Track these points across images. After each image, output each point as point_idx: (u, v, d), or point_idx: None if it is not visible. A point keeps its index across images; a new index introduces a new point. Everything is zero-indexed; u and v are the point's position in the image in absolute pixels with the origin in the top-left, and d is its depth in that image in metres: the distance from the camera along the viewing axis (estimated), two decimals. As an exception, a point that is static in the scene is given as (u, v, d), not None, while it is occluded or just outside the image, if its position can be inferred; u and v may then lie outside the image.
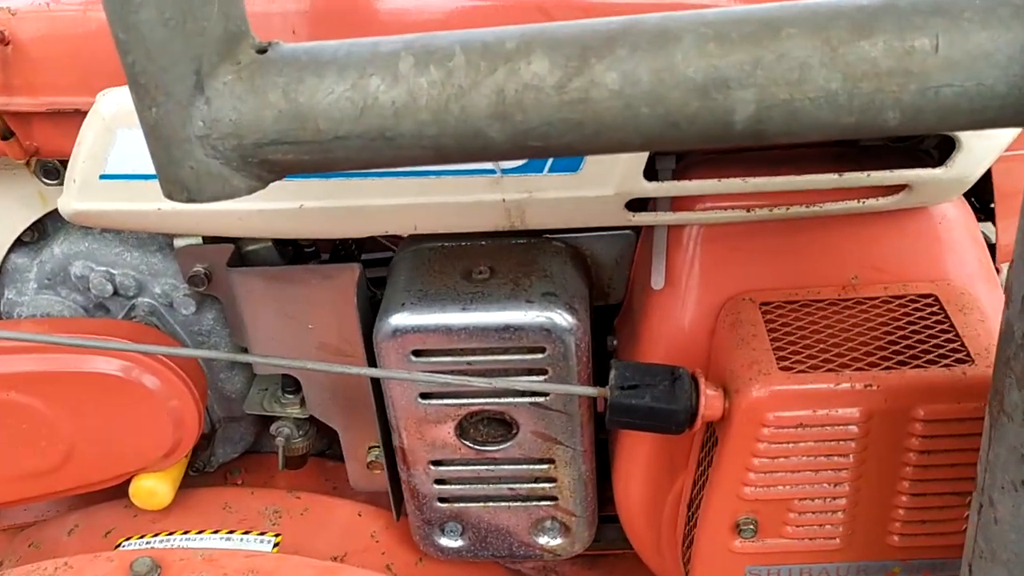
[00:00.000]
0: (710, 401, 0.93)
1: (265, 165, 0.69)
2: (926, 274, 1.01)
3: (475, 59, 0.64)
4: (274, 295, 1.15)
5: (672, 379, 0.94)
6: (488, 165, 0.93)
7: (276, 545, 1.22)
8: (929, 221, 1.01)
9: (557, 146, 0.65)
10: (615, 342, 1.20)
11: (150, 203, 0.98)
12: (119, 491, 1.28)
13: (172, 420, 1.16)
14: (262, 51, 0.68)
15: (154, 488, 1.22)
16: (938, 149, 0.97)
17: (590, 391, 0.97)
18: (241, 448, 1.38)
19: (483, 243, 1.14)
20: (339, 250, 1.28)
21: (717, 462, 0.97)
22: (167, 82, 0.65)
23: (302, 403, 1.26)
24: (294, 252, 1.20)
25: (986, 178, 1.07)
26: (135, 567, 1.08)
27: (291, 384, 1.26)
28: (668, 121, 0.62)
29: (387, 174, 0.94)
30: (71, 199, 0.99)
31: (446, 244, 1.14)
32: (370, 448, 1.27)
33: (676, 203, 1.01)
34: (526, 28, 0.65)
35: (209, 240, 1.14)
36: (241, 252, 1.16)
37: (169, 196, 0.70)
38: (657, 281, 1.04)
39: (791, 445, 0.93)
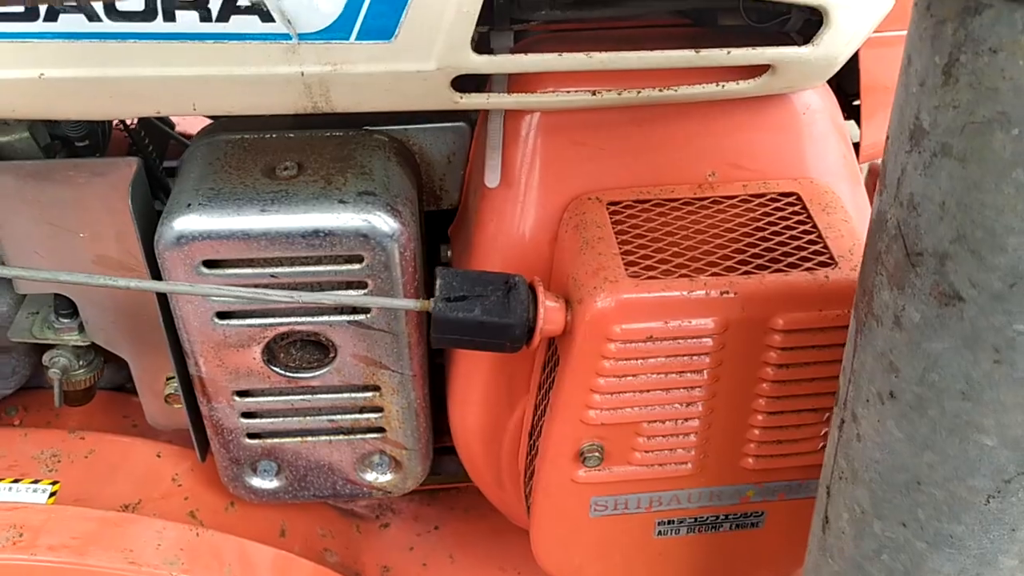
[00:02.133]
0: (550, 313, 0.81)
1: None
2: (788, 171, 0.91)
3: None
4: (33, 196, 0.94)
5: (506, 289, 0.81)
6: (280, 28, 0.75)
7: (52, 495, 1.03)
8: (792, 112, 0.90)
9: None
10: (449, 252, 1.06)
11: None
12: None
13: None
14: None
15: None
16: (802, 33, 0.86)
17: (410, 304, 0.83)
18: (15, 383, 1.17)
19: (291, 135, 0.97)
20: (131, 150, 1.08)
21: (559, 383, 0.85)
22: None
23: (81, 328, 1.06)
24: (63, 146, 1.00)
25: (852, 69, 0.98)
26: None
27: (66, 306, 1.06)
28: None
29: (158, 36, 0.75)
30: None
31: (247, 136, 0.97)
32: (168, 379, 1.09)
33: (512, 84, 0.87)
34: None
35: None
36: (-7, 145, 0.94)
37: None
38: (492, 179, 0.90)
39: (640, 362, 0.82)
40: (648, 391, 0.83)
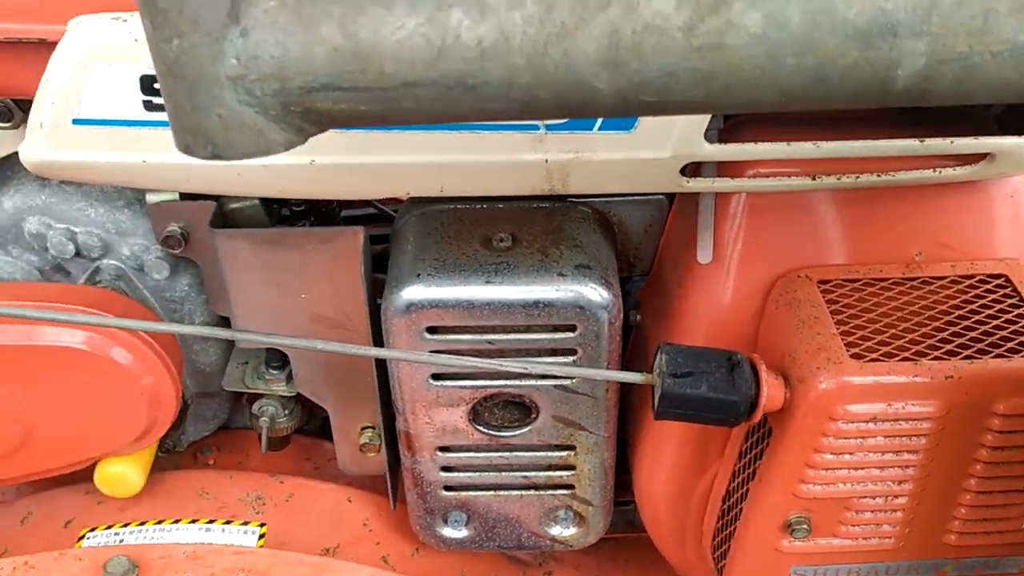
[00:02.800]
0: (772, 391, 0.84)
1: (311, 115, 0.56)
2: (996, 252, 0.93)
3: (582, -9, 0.52)
4: (264, 260, 1.01)
5: (730, 366, 0.85)
6: (530, 120, 0.81)
7: (261, 536, 1.10)
8: (1000, 194, 0.93)
9: (675, 102, 0.54)
10: (638, 316, 1.10)
11: (134, 154, 0.84)
12: (77, 473, 1.14)
13: (146, 398, 1.02)
14: (307, -29, 0.55)
15: (124, 474, 1.08)
16: (1016, 115, 0.89)
17: (635, 377, 0.87)
18: (214, 426, 1.24)
19: (501, 206, 1.02)
20: (319, 210, 1.15)
21: (770, 456, 0.89)
22: (195, 7, 0.52)
23: (288, 379, 1.13)
24: (282, 212, 1.07)
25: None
26: (109, 568, 0.95)
27: (277, 358, 1.13)
28: (817, 75, 0.52)
29: (414, 127, 0.82)
30: (37, 147, 0.84)
31: (459, 206, 1.02)
32: (363, 429, 1.16)
33: (728, 168, 0.91)
34: (639, -45, 0.53)
35: (186, 196, 0.99)
36: (224, 210, 1.02)
37: (186, 150, 0.57)
38: (704, 254, 0.94)
39: (859, 441, 0.85)
40: (863, 468, 0.86)
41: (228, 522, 1.11)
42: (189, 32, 0.52)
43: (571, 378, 0.97)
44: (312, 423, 1.28)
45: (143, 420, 1.04)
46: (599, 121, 0.82)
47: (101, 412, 1.03)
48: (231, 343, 1.16)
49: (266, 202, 1.03)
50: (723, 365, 0.85)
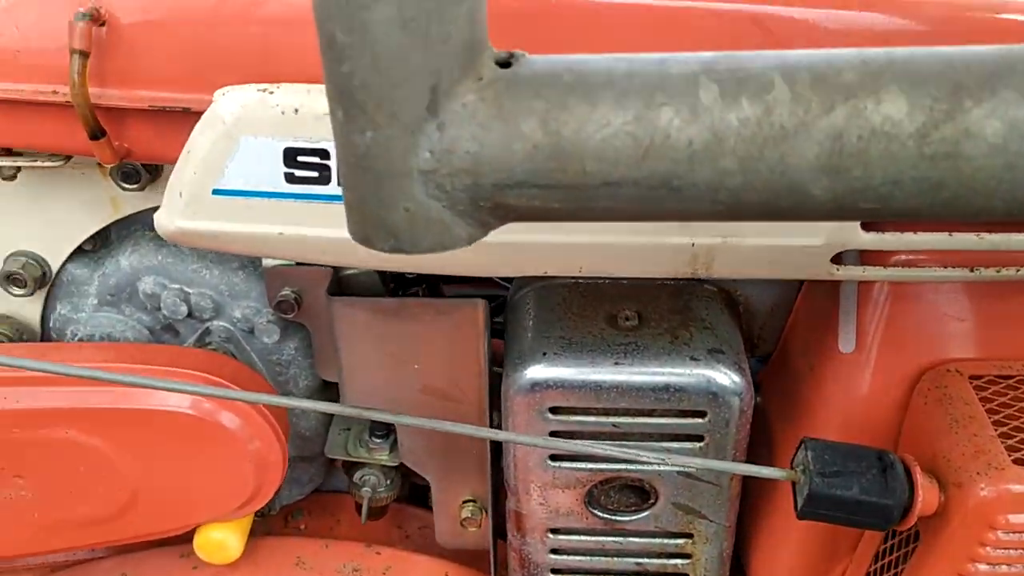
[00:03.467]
0: (926, 495, 0.79)
1: (499, 210, 0.53)
2: None
3: (803, 92, 0.49)
4: (379, 329, 0.99)
5: (882, 466, 0.80)
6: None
7: (359, 612, 1.06)
8: None
9: (894, 209, 0.50)
10: (759, 399, 1.05)
11: (272, 226, 0.82)
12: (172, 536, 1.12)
13: (253, 464, 1.00)
14: (504, 64, 0.52)
15: (224, 540, 1.06)
16: None
17: (776, 473, 0.83)
18: (309, 489, 1.22)
19: (624, 282, 0.99)
20: (430, 279, 1.13)
21: (920, 563, 0.83)
22: (394, 100, 0.49)
23: (392, 448, 1.10)
24: (396, 282, 1.05)
25: None
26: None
27: (381, 427, 1.10)
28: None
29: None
30: (174, 215, 0.82)
31: (581, 281, 0.99)
32: (464, 502, 1.12)
33: (873, 255, 0.87)
34: (863, 53, 0.50)
35: (302, 262, 0.98)
36: (338, 277, 1.00)
37: (364, 242, 0.55)
38: (846, 343, 0.90)
39: (1019, 552, 0.79)
40: (1020, 580, 0.81)
41: (325, 595, 1.07)
42: (385, 125, 0.50)
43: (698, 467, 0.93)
44: (402, 489, 1.25)
45: (250, 486, 1.01)
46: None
47: (207, 477, 1.00)
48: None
49: (384, 272, 1.01)
50: (874, 465, 0.80)
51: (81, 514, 1.01)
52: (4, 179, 0.92)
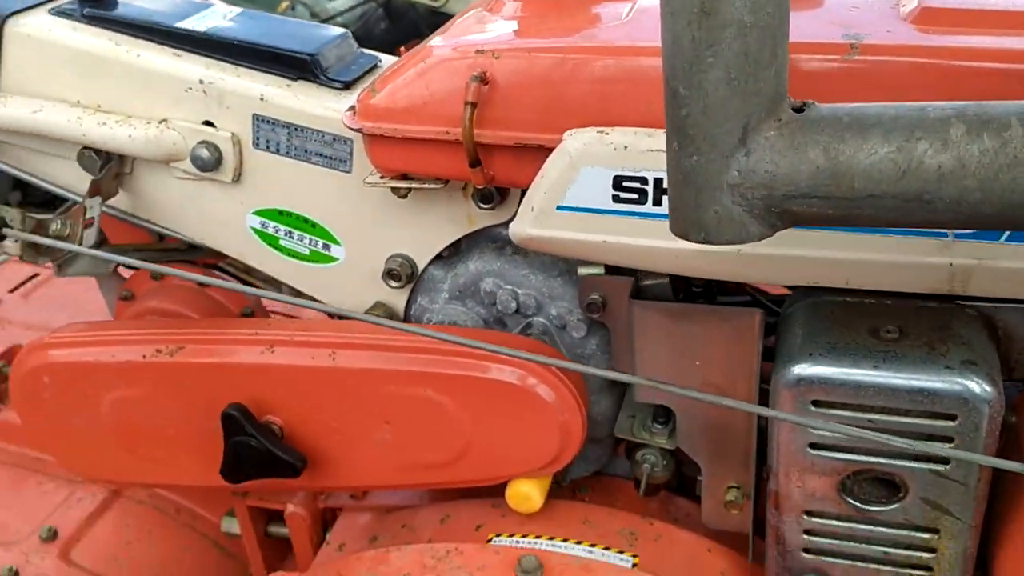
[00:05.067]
0: None
1: (786, 216, 0.74)
2: None
3: (1032, 132, 0.65)
4: (669, 330, 1.21)
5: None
6: (943, 233, 0.93)
7: (635, 565, 1.27)
8: None
9: None
10: (1013, 419, 1.15)
11: (598, 235, 1.07)
12: (482, 489, 1.39)
13: (559, 432, 1.25)
14: (799, 110, 0.73)
15: (529, 493, 1.31)
16: None
17: (1017, 466, 0.94)
18: (593, 468, 1.45)
19: (888, 302, 1.14)
20: (711, 291, 1.33)
21: None
22: (715, 135, 0.72)
23: (671, 434, 1.31)
24: (684, 292, 1.27)
25: None
26: (523, 563, 1.17)
27: (662, 414, 1.31)
28: None
29: (833, 227, 0.98)
30: (526, 225, 1.10)
31: (848, 299, 1.15)
32: (729, 488, 1.30)
33: None
34: (1085, 104, 0.66)
35: (610, 271, 1.22)
36: (639, 285, 1.23)
37: (682, 235, 0.77)
38: (1096, 365, 0.99)
39: None
40: None
41: (607, 548, 1.29)
42: (707, 151, 0.73)
43: (947, 464, 1.06)
44: (674, 475, 1.45)
45: (554, 450, 1.26)
46: (1007, 233, 0.92)
47: (522, 439, 1.26)
48: (622, 397, 1.37)
49: (672, 281, 1.23)
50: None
51: (425, 458, 1.31)
52: (399, 197, 1.25)
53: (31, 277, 2.33)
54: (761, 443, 1.22)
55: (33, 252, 1.31)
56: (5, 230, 1.27)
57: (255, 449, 1.30)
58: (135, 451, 1.44)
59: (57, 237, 1.29)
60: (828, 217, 0.73)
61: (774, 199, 0.73)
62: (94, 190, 1.35)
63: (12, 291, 2.27)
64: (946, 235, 0.94)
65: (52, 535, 1.69)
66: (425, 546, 1.26)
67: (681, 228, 0.78)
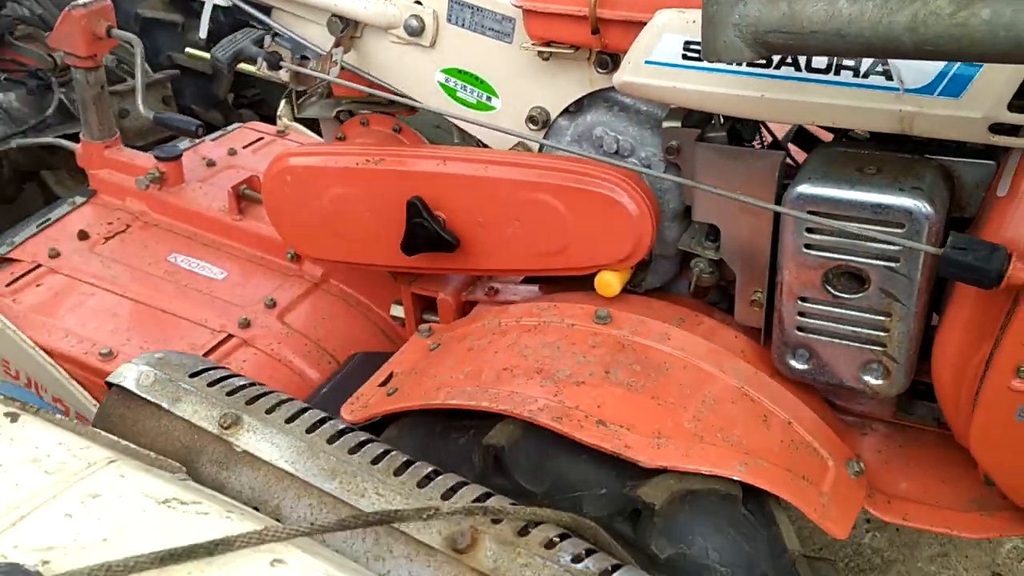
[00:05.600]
0: (1016, 271, 1.34)
1: (766, 45, 1.25)
2: None
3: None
4: (720, 166, 1.71)
5: (992, 250, 1.36)
6: (895, 83, 1.41)
7: (678, 326, 1.79)
8: None
9: (942, 52, 1.13)
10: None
11: (670, 82, 1.60)
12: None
13: (635, 237, 1.78)
14: (779, -18, 1.24)
15: (611, 281, 1.84)
16: None
17: (931, 249, 1.42)
18: (663, 280, 1.97)
19: (877, 153, 1.61)
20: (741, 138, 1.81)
21: (1012, 320, 1.37)
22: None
23: (717, 248, 1.82)
24: (737, 142, 1.77)
25: None
26: (598, 313, 1.72)
27: (713, 234, 1.82)
28: (1018, 43, 1.08)
29: (823, 81, 1.46)
30: (624, 74, 1.64)
31: (849, 150, 1.63)
32: (755, 291, 1.80)
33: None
34: (937, -18, 1.13)
35: (685, 125, 1.73)
36: (703, 135, 1.74)
37: (707, 58, 1.29)
38: (1003, 188, 1.45)
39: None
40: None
41: (664, 321, 1.82)
42: (723, 4, 1.24)
43: (895, 260, 1.53)
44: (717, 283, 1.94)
45: (630, 250, 1.79)
46: (939, 89, 1.39)
47: (608, 238, 1.80)
48: (687, 223, 1.88)
49: (731, 135, 1.73)
50: (988, 249, 1.36)
51: (540, 248, 1.86)
52: (543, 60, 1.80)
53: (257, 139, 3.03)
54: (774, 258, 1.71)
55: (296, 79, 1.94)
56: (281, 62, 1.91)
57: (427, 229, 1.90)
58: (344, 235, 2.06)
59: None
60: (789, 47, 1.23)
61: (759, 33, 1.23)
62: (336, 44, 1.97)
63: (244, 147, 2.97)
64: (898, 89, 1.41)
65: (272, 303, 2.37)
66: (533, 303, 1.83)
67: (706, 53, 1.29)
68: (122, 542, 0.79)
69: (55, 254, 2.51)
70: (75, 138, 2.90)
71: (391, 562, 0.88)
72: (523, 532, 0.89)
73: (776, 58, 1.48)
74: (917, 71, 1.40)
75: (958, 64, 1.36)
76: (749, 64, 1.49)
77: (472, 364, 1.71)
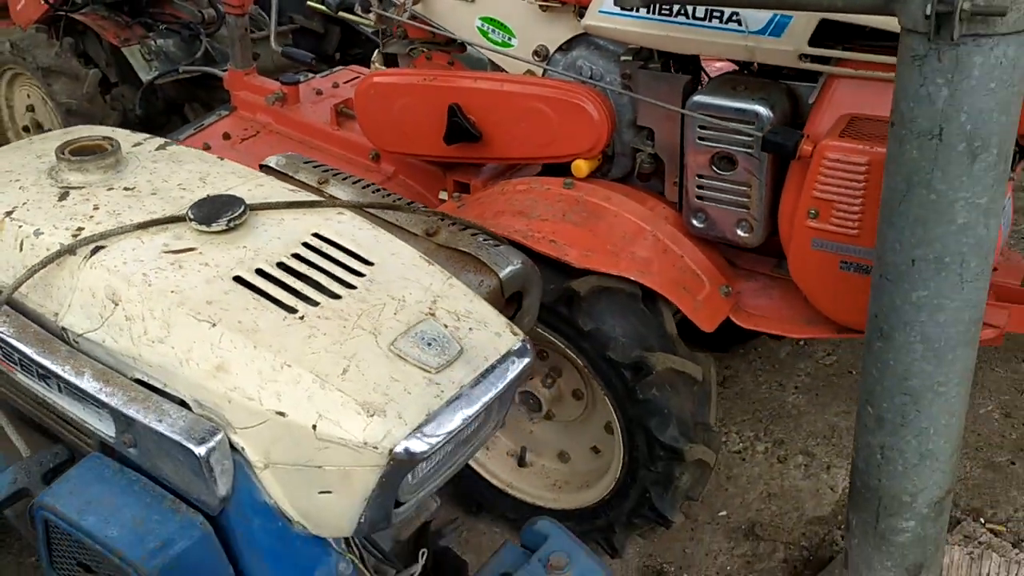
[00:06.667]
0: (804, 146, 2.15)
1: (647, -4, 2.10)
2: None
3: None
4: (652, 86, 2.55)
5: (792, 134, 2.18)
6: (743, 27, 2.22)
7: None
8: None
9: (774, 3, 1.95)
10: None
11: (611, 24, 2.45)
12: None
13: (596, 134, 2.62)
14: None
15: (581, 166, 2.69)
16: None
17: (757, 133, 2.24)
18: (623, 172, 2.80)
19: (750, 78, 2.43)
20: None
21: (805, 181, 2.18)
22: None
23: (653, 145, 2.65)
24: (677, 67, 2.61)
25: None
26: (565, 183, 2.59)
27: (650, 136, 2.66)
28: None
29: (699, 25, 2.29)
30: (588, 19, 2.50)
31: (735, 76, 2.45)
32: (675, 177, 2.63)
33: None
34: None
35: (635, 59, 2.58)
36: (645, 65, 2.58)
37: (618, 5, 2.15)
38: (811, 98, 2.25)
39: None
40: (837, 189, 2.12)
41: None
42: (623, -29, 2.09)
43: (752, 148, 2.35)
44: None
45: (592, 142, 2.64)
46: (769, 30, 2.20)
47: (578, 134, 2.65)
48: (637, 129, 2.71)
49: (663, 66, 2.57)
50: (790, 132, 2.18)
51: (536, 140, 2.73)
52: (542, 10, 2.68)
53: (355, 77, 3.98)
54: (683, 149, 2.54)
55: (379, 20, 2.87)
56: (371, 7, 2.84)
57: (460, 125, 2.79)
58: (407, 132, 2.97)
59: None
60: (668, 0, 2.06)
61: (641, -10, 2.07)
62: (407, -5, 2.89)
63: (345, 83, 3.93)
64: (744, 31, 2.22)
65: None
66: (526, 178, 2.71)
67: (618, 3, 2.14)
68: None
69: (207, 147, 3.51)
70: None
71: (398, 242, 1.79)
72: (463, 229, 1.76)
73: (675, 8, 2.32)
74: (755, 19, 2.22)
75: (781, 13, 2.18)
76: (659, 12, 2.34)
77: (481, 209, 2.60)
